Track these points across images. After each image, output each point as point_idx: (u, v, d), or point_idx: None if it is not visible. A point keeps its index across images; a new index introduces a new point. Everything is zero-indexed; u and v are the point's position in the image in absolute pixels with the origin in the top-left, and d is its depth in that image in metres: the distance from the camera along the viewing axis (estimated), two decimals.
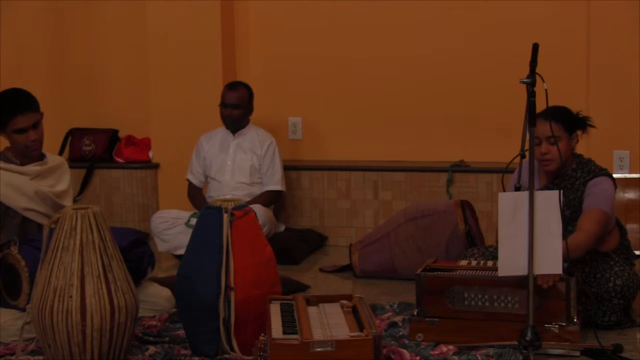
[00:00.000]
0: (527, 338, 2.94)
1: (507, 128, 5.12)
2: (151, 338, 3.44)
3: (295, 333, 2.79)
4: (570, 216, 3.59)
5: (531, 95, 2.93)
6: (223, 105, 5.19)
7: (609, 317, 3.49)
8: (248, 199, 5.02)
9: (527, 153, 3.03)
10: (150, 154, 5.81)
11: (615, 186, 3.65)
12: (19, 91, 3.70)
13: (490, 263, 3.53)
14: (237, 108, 5.17)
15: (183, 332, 3.40)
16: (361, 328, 2.83)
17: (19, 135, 3.63)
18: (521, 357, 3.00)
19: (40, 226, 3.64)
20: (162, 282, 4.01)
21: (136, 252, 3.65)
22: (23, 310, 3.29)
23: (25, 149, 3.66)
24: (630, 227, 4.75)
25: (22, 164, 3.70)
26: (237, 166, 5.21)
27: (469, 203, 4.59)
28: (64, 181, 3.83)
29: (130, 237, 3.67)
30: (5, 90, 3.74)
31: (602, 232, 3.56)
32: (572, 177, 3.66)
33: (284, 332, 2.80)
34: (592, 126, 3.67)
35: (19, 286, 3.41)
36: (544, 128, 3.48)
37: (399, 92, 5.56)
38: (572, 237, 3.40)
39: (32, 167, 3.71)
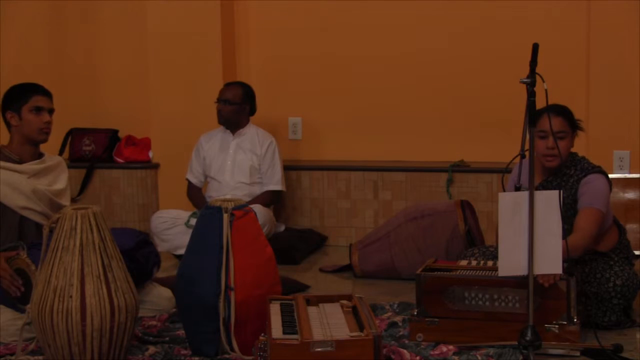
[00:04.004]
0: (527, 338, 2.94)
1: (507, 128, 5.11)
2: (151, 338, 3.44)
3: (295, 333, 2.79)
4: (565, 214, 3.58)
5: (531, 95, 2.93)
6: (217, 100, 5.20)
7: (609, 317, 3.49)
8: (248, 199, 5.02)
9: (527, 153, 3.03)
10: (150, 154, 5.81)
11: (610, 183, 3.65)
12: None
13: (490, 263, 3.53)
14: (227, 104, 5.16)
15: (183, 332, 3.40)
16: (361, 328, 2.83)
17: (35, 115, 3.67)
18: (521, 357, 3.00)
19: (38, 225, 3.65)
20: (162, 282, 4.01)
21: (143, 252, 3.66)
22: None
23: (37, 131, 3.68)
24: (630, 227, 4.75)
25: (21, 160, 3.70)
26: (237, 166, 5.21)
27: (469, 203, 4.59)
28: (61, 180, 3.83)
29: (136, 238, 3.67)
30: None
31: (599, 231, 3.57)
32: (565, 175, 3.66)
33: (284, 332, 2.80)
34: (581, 129, 3.69)
35: (29, 290, 3.40)
36: (554, 122, 3.45)
37: (399, 92, 5.56)
38: (570, 237, 3.40)
39: (30, 166, 3.70)
